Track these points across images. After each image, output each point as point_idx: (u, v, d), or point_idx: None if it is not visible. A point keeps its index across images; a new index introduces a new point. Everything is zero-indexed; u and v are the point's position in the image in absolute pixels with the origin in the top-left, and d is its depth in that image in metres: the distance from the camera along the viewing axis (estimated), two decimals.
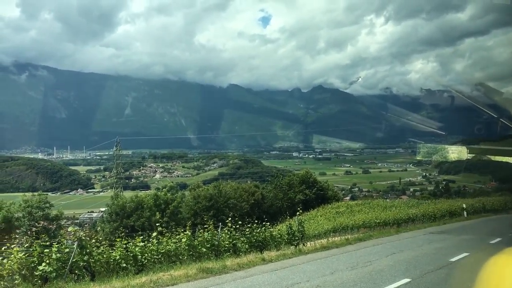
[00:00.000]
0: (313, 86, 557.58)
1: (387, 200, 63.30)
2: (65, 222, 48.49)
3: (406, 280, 10.89)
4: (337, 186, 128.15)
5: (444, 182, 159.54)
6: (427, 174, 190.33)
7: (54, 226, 39.02)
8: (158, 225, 15.37)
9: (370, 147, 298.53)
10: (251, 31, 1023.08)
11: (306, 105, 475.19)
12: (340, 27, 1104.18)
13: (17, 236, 25.51)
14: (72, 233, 12.47)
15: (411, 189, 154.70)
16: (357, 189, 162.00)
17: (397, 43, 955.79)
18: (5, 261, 11.01)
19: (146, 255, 13.50)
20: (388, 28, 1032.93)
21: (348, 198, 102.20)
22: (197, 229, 17.12)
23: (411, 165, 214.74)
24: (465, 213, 35.87)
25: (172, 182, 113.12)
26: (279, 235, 20.41)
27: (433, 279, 11.12)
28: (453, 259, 14.23)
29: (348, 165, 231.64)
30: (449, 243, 19.34)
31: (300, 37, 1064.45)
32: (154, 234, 14.45)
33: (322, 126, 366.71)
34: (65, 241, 12.17)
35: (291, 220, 28.39)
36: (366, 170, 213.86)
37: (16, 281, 10.72)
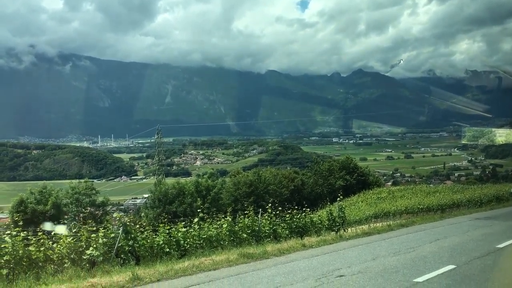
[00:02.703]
0: (352, 70, 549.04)
1: (431, 185, 62.04)
2: (111, 208, 50.01)
3: (451, 266, 10.66)
4: (378, 172, 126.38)
5: (491, 167, 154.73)
6: (473, 158, 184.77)
7: (100, 212, 40.31)
8: (199, 211, 15.58)
9: (412, 131, 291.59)
10: (289, 16, 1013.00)
11: (345, 90, 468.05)
12: (381, 8, 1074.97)
13: (65, 222, 26.51)
14: (117, 218, 12.84)
15: (456, 174, 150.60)
16: (399, 174, 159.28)
17: (441, 23, 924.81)
18: (55, 245, 11.46)
19: (188, 240, 13.75)
20: (431, 7, 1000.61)
21: (389, 183, 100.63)
22: (237, 215, 17.28)
23: (456, 149, 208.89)
24: None
25: (213, 169, 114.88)
26: (319, 221, 20.36)
27: (479, 265, 10.83)
28: (501, 246, 13.80)
29: (389, 150, 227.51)
30: (496, 229, 18.76)
31: (340, 20, 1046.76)
32: (196, 220, 14.68)
33: (362, 111, 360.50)
34: (110, 227, 12.53)
35: (331, 206, 28.25)
36: (408, 155, 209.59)
37: (65, 265, 11.16)
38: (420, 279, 9.39)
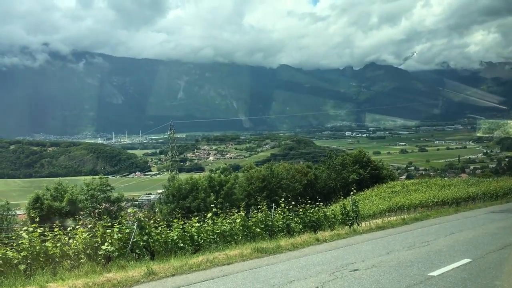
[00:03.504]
0: (365, 63, 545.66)
1: (445, 178, 61.49)
2: (125, 204, 50.43)
3: (466, 260, 10.58)
4: (392, 165, 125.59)
5: (506, 159, 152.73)
6: (488, 151, 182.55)
7: (115, 208, 40.64)
8: (212, 206, 15.61)
9: (426, 124, 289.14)
10: (300, 10, 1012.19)
11: (358, 83, 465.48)
12: (394, 0, 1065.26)
13: (81, 218, 26.77)
14: (132, 214, 12.95)
15: (471, 167, 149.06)
16: (413, 168, 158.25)
17: (455, 14, 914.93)
18: (71, 241, 11.60)
19: (202, 235, 13.82)
20: None
21: (403, 177, 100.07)
22: (251, 210, 17.33)
23: (470, 142, 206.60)
24: None
25: (226, 164, 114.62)
26: (333, 215, 20.34)
27: (495, 259, 10.74)
28: None
29: (403, 143, 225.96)
30: None
31: (352, 13, 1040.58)
32: (209, 215, 14.73)
33: (375, 104, 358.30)
34: (125, 222, 12.63)
35: (345, 200, 28.18)
36: (422, 148, 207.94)
37: (81, 260, 11.29)
38: (435, 273, 9.34)
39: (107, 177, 51.01)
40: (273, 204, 17.63)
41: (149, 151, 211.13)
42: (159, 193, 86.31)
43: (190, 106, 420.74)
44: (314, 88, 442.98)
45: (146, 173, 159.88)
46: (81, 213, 36.25)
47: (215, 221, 14.81)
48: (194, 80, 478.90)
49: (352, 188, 23.04)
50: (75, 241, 11.48)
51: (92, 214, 35.80)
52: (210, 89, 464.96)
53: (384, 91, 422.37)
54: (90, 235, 11.54)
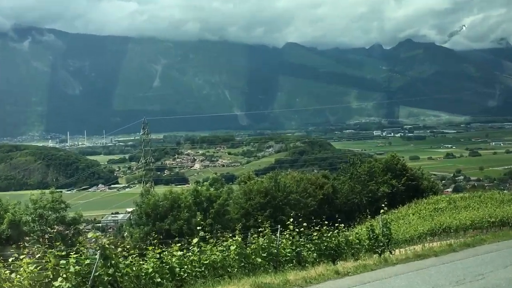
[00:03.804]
0: (399, 40, 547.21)
1: (505, 191, 61.48)
2: (85, 226, 50.45)
3: None
4: (434, 175, 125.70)
5: None
6: None
7: (71, 232, 40.54)
8: (199, 229, 15.63)
9: (479, 120, 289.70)
10: None
11: (389, 67, 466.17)
12: None
13: (27, 245, 26.74)
14: (93, 240, 12.93)
15: None
16: (462, 177, 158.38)
17: None
18: (13, 275, 11.56)
19: (185, 267, 13.81)
20: None
21: (450, 189, 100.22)
22: (249, 234, 17.33)
23: None
24: None
25: (216, 174, 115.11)
26: (357, 240, 20.37)
27: None
28: None
29: (449, 145, 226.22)
30: None
31: None
32: (195, 240, 14.73)
33: (412, 95, 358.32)
34: (85, 251, 12.61)
35: (372, 220, 28.13)
36: (474, 152, 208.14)
37: None
38: None
39: (61, 191, 50.91)
40: (279, 226, 17.61)
41: (115, 157, 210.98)
42: (129, 212, 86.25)
43: (170, 98, 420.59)
44: (332, 74, 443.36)
45: (112, 186, 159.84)
46: (27, 238, 36.10)
47: (202, 248, 14.81)
48: (175, 64, 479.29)
49: (383, 205, 23.01)
50: (18, 276, 11.45)
51: (41, 240, 35.73)
52: (195, 76, 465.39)
53: (423, 77, 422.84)
54: (38, 268, 11.51)
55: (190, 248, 14.56)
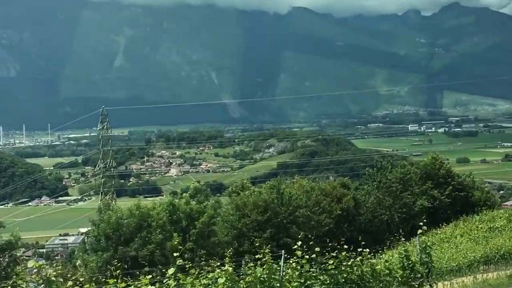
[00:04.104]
0: (442, 5, 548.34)
1: None
2: (24, 252, 50.38)
3: None
4: (489, 183, 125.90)
5: None
6: None
7: (5, 260, 40.41)
8: (177, 256, 15.49)
9: None
10: None
11: (430, 40, 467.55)
12: None
13: None
14: (35, 270, 12.71)
15: None
16: None
17: None
18: None
19: None
20: None
21: (510, 202, 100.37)
22: (243, 262, 17.15)
23: None
24: None
25: (199, 182, 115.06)
26: (387, 271, 20.18)
27: None
28: None
29: (509, 144, 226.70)
30: None
31: None
32: (171, 270, 14.54)
33: (459, 76, 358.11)
34: (24, 285, 12.45)
35: (407, 243, 28.05)
36: None
37: None
38: None
39: None
40: (283, 251, 17.45)
41: (65, 160, 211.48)
42: (82, 234, 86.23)
43: (137, 82, 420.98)
44: (352, 49, 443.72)
45: (60, 198, 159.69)
46: None
47: (181, 282, 14.64)
48: (144, 36, 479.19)
49: (421, 223, 22.81)
50: None
51: None
52: (171, 51, 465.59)
53: (475, 53, 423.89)
54: None
55: (164, 281, 14.39)
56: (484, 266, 31.74)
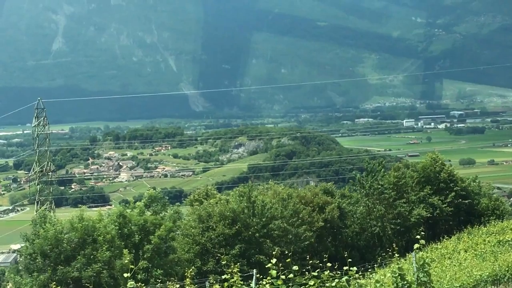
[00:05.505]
0: None
1: None
2: None
3: None
4: (499, 188, 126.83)
5: None
6: None
7: None
8: (128, 276, 15.50)
9: None
10: None
11: (428, 19, 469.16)
12: None
13: None
14: None
15: None
16: None
17: None
18: None
19: None
20: None
21: None
22: (207, 284, 17.22)
23: None
24: None
25: (155, 189, 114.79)
26: None
27: None
28: None
29: None
30: None
31: None
32: None
33: (462, 63, 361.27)
34: None
35: (402, 260, 28.31)
36: None
37: None
38: None
39: None
40: (255, 270, 17.52)
41: None
42: (14, 252, 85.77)
43: (79, 69, 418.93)
44: (338, 30, 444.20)
45: None
46: None
47: None
48: (87, 14, 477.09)
49: (418, 236, 22.98)
50: None
51: None
52: (121, 33, 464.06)
53: (479, 35, 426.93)
54: None
55: None
56: (493, 286, 32.06)
